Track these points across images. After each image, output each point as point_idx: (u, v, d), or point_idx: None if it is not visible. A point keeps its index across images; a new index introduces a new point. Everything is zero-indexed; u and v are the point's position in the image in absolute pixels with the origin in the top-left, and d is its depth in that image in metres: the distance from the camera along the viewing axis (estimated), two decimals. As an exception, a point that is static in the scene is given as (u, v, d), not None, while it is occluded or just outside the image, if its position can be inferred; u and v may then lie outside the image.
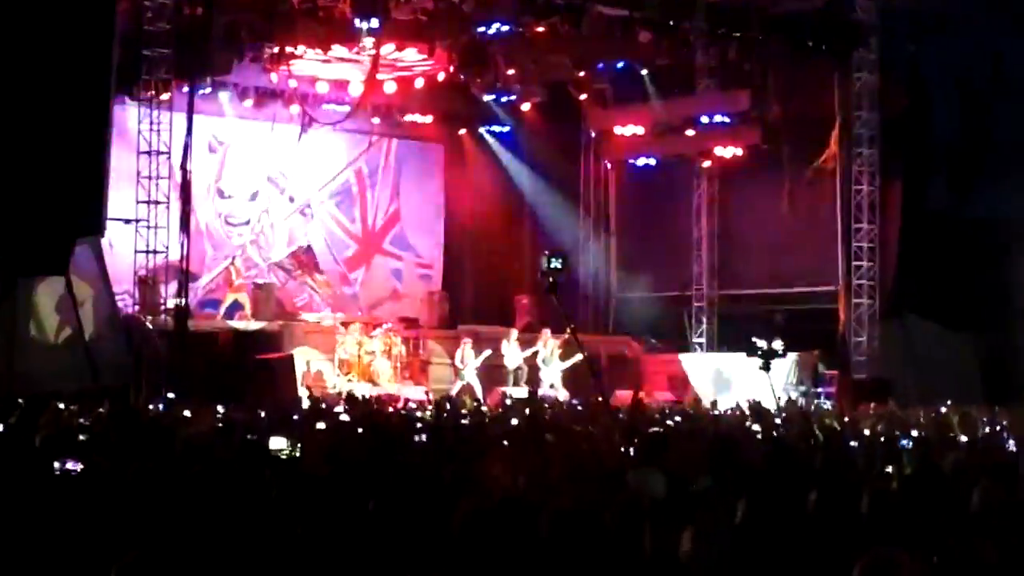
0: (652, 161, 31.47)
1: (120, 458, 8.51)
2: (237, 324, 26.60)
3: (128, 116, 24.98)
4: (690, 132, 30.18)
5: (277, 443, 10.16)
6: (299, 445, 10.20)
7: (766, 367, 15.51)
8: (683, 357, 29.27)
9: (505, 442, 11.86)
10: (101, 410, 15.57)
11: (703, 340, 31.11)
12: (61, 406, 15.68)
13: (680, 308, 31.38)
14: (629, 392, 22.96)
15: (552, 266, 9.51)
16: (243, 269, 28.16)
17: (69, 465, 8.14)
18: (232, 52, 25.72)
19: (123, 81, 23.69)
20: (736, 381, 26.07)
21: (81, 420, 14.06)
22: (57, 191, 20.68)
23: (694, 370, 28.41)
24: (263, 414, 15.75)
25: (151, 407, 17.74)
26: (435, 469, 8.73)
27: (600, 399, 17.66)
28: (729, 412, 20.43)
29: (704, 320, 31.26)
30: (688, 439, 11.95)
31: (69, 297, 21.72)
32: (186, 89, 24.19)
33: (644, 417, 16.90)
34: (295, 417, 15.22)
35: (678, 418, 17.52)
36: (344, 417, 15.65)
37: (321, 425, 13.72)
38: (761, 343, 15.38)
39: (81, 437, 11.31)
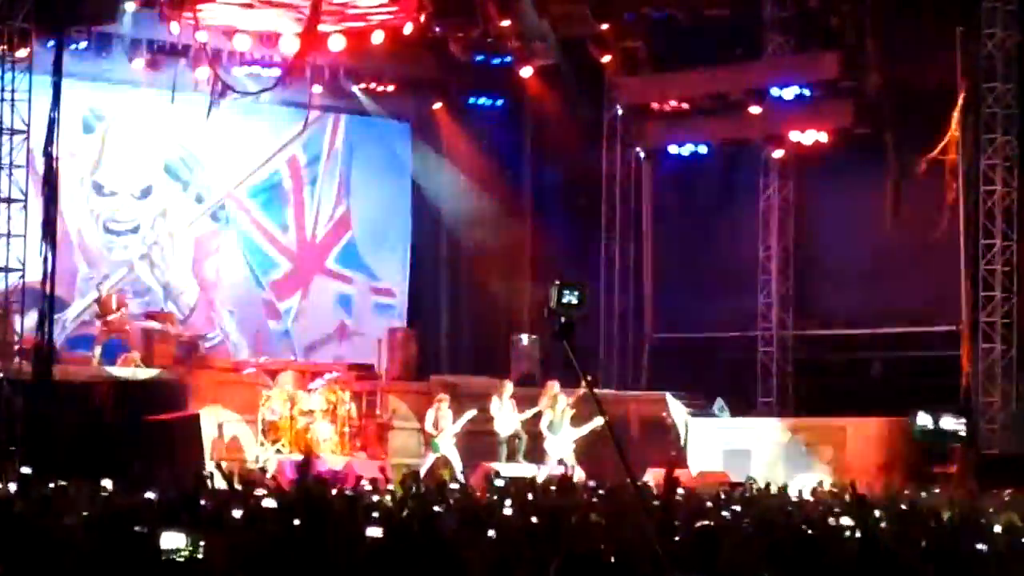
0: (702, 149, 31.52)
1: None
2: (121, 371, 26.57)
3: (-28, 80, 25.03)
4: (755, 109, 30.24)
5: (172, 540, 10.13)
6: (202, 543, 10.17)
7: (939, 450, 15.07)
8: (742, 421, 29.22)
9: (492, 532, 11.87)
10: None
11: (772, 399, 31.08)
12: None
13: (741, 355, 31.36)
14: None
15: (565, 301, 9.46)
16: (128, 294, 28.17)
17: None
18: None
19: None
20: (819, 456, 26.06)
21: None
22: None
23: (759, 439, 28.39)
24: (154, 497, 15.74)
25: (0, 486, 17.74)
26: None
27: (628, 480, 17.63)
28: (809, 498, 20.48)
29: (774, 371, 31.24)
30: (749, 535, 11.94)
31: None
32: (52, 44, 24.18)
33: (684, 504, 16.88)
34: (200, 502, 15.21)
35: (736, 507, 17.53)
36: (269, 502, 15.63)
37: (237, 513, 13.70)
38: (925, 419, 14.81)
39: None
